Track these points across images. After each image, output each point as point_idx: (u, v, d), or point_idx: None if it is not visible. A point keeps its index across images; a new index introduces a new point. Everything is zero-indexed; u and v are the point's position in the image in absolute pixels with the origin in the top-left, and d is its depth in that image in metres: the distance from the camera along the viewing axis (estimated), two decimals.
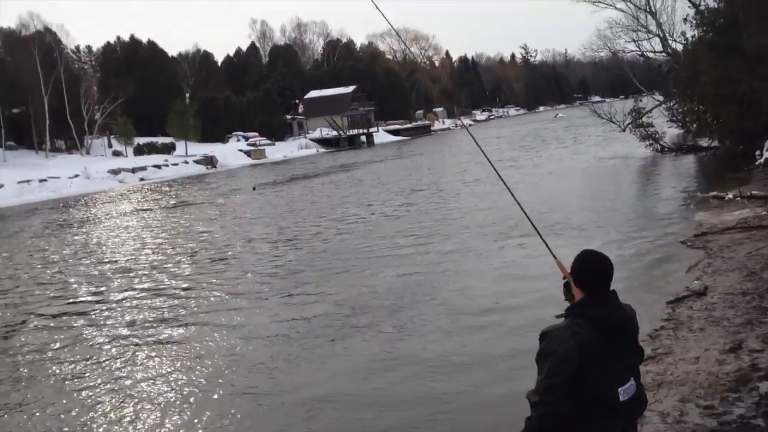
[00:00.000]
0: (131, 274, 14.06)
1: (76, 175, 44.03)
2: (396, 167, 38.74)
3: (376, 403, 6.52)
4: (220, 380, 7.51)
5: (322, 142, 71.13)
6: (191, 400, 7.05)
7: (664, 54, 33.39)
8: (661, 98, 31.79)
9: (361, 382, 7.07)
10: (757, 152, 19.58)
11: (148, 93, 69.04)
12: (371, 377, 7.16)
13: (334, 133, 73.63)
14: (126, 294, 12.22)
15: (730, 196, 14.19)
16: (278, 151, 63.88)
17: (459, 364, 7.25)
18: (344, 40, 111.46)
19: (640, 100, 32.38)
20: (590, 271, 3.09)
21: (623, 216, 14.52)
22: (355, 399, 6.65)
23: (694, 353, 6.46)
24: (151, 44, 77.70)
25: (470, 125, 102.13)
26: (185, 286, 12.45)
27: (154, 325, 9.99)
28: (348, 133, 74.27)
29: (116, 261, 15.95)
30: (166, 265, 14.73)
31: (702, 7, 25.78)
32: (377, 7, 5.24)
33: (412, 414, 6.21)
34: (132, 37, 79.22)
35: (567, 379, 2.92)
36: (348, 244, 15.13)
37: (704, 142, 26.29)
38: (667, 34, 32.64)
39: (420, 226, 16.55)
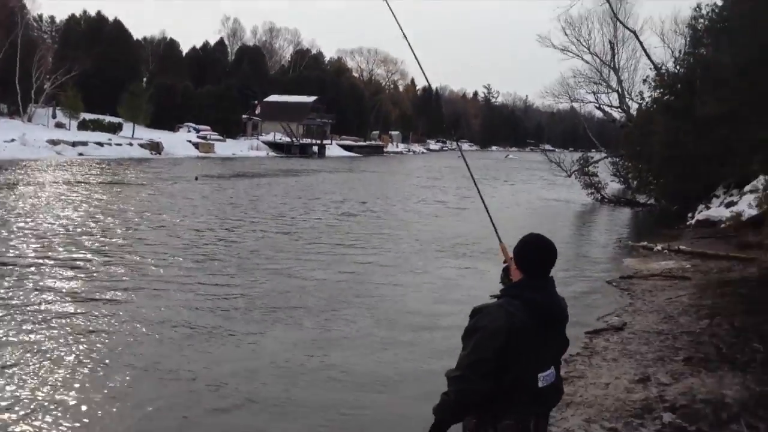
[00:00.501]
0: (43, 243, 13.19)
1: (13, 140, 42.22)
2: (344, 180, 38.65)
3: (285, 405, 6.15)
4: (121, 358, 7.11)
5: (273, 146, 70.62)
6: (90, 376, 6.63)
7: (619, 110, 34.60)
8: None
9: (273, 381, 6.68)
10: (690, 214, 20.34)
11: (105, 71, 67.16)
12: (285, 377, 6.78)
13: (288, 139, 73.24)
14: (31, 262, 11.44)
15: (659, 248, 14.63)
16: (228, 147, 63.03)
17: (382, 375, 6.94)
18: (314, 51, 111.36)
19: (590, 152, 33.50)
20: (532, 254, 3.08)
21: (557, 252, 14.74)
22: (264, 398, 6.25)
23: (605, 380, 6.54)
24: (117, 23, 75.73)
25: (423, 153, 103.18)
26: (99, 261, 11.79)
27: (54, 297, 9.29)
28: (301, 141, 74.03)
29: (30, 229, 14.92)
30: (84, 239, 14.00)
31: (663, 71, 26.84)
32: (391, 10, 5.11)
33: (320, 420, 5.87)
34: (98, 13, 77.23)
35: (491, 356, 2.86)
36: (283, 243, 14.89)
37: (642, 199, 27.21)
38: (625, 92, 33.90)
39: (359, 235, 16.46)
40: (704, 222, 18.13)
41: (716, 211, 18.61)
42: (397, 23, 5.04)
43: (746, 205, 17.09)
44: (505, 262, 3.27)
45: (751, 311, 8.70)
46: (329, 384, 6.68)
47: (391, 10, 5.03)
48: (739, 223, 16.34)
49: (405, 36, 5.05)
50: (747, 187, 18.18)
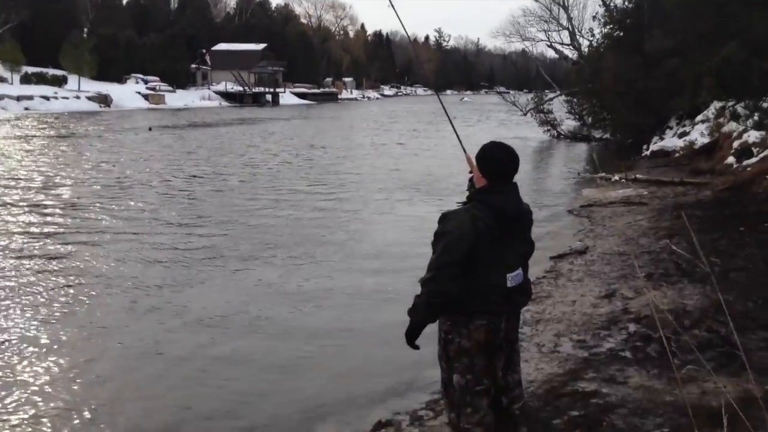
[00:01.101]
0: (12, 193, 13.02)
1: None
2: (301, 126, 38.20)
3: (255, 352, 5.87)
4: (88, 304, 7.13)
5: (225, 95, 69.20)
6: (62, 320, 6.65)
7: (571, 47, 34.77)
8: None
9: (241, 326, 6.43)
10: (644, 146, 20.81)
11: (44, 22, 64.26)
12: (252, 323, 6.52)
13: (240, 88, 71.76)
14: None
15: (616, 177, 14.99)
16: (179, 98, 61.57)
17: (352, 321, 6.62)
18: None
19: (545, 92, 33.79)
20: (493, 160, 3.16)
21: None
22: (233, 347, 5.94)
23: (572, 297, 6.79)
24: None
25: (377, 98, 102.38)
26: (63, 207, 11.75)
27: (25, 241, 9.29)
28: (254, 90, 72.63)
29: None
30: (43, 192, 13.69)
31: (612, 6, 26.98)
32: None
33: (290, 367, 5.61)
34: None
35: (460, 258, 2.96)
36: (246, 189, 14.77)
37: (597, 134, 27.67)
38: (576, 29, 34.03)
39: (323, 179, 16.40)
40: (659, 152, 18.59)
41: (670, 141, 19.08)
42: None
43: (698, 134, 17.56)
44: (470, 172, 3.36)
45: (706, 230, 9.06)
46: (298, 332, 6.31)
47: None
48: (692, 152, 16.81)
49: None
50: (698, 117, 18.65)
